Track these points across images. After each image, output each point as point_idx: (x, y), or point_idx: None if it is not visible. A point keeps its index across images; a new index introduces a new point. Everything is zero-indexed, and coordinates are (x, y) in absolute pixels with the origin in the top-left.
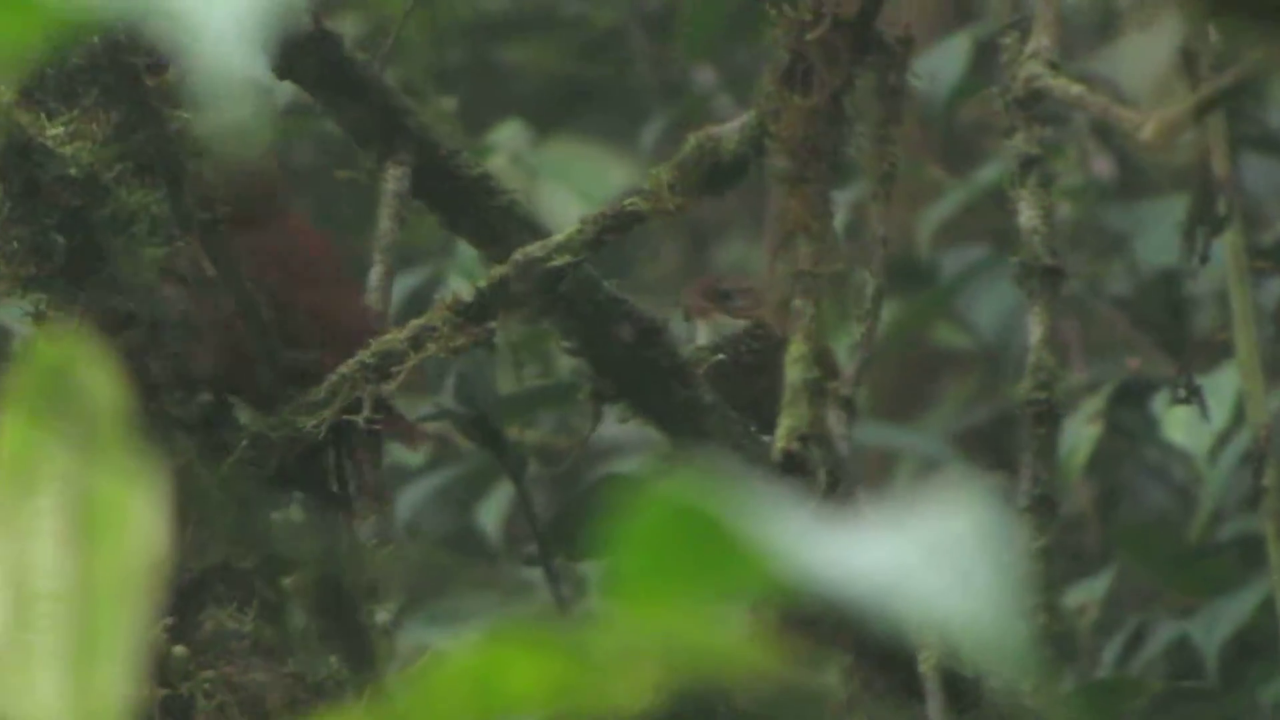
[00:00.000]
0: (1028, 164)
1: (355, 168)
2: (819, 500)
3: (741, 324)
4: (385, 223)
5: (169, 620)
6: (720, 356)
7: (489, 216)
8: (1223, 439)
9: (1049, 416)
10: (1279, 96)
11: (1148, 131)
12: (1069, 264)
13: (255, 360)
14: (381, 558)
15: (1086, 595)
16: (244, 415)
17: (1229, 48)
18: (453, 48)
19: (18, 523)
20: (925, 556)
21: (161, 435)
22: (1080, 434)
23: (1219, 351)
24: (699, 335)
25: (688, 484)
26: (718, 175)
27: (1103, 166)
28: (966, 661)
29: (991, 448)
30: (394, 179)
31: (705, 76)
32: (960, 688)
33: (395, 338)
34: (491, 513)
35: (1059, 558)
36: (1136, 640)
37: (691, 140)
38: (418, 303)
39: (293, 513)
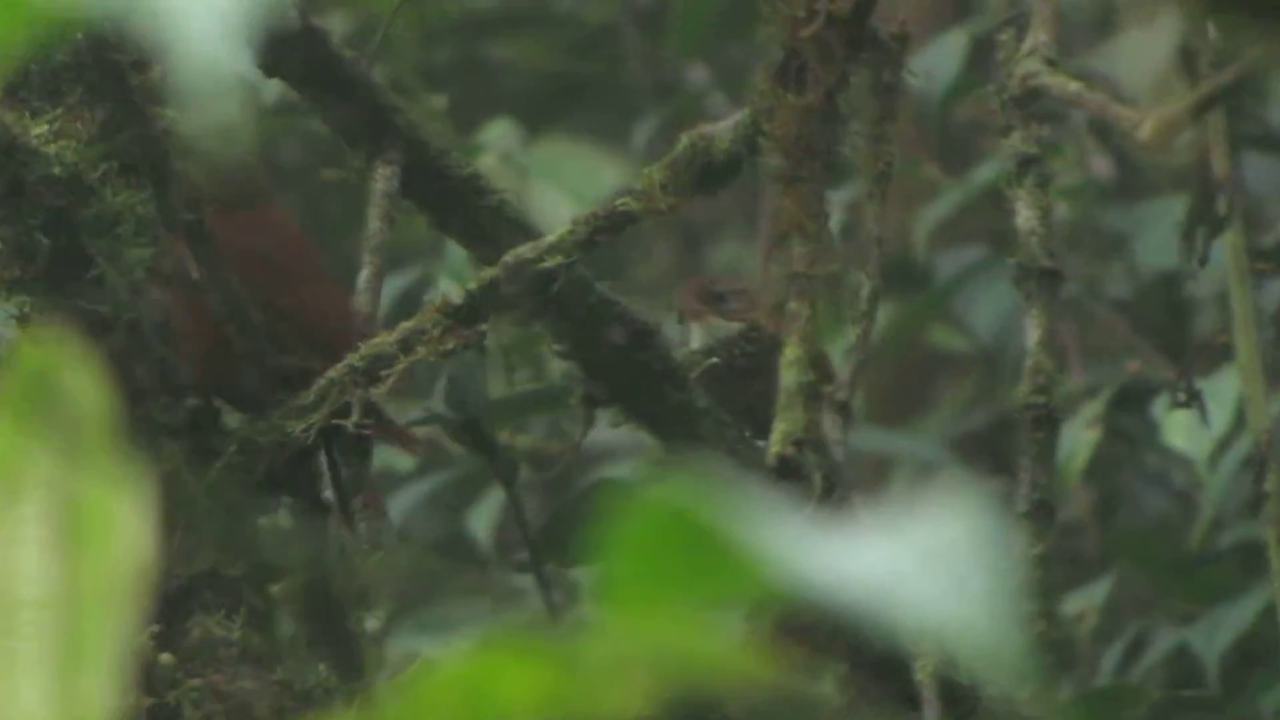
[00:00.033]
0: (1025, 163)
1: (343, 167)
2: (814, 506)
3: (735, 326)
4: (374, 223)
5: (155, 628)
6: (714, 360)
7: (479, 217)
8: (1223, 444)
9: (1047, 421)
10: (1279, 94)
11: (1147, 130)
12: (1067, 265)
13: (243, 363)
14: (371, 564)
15: (1085, 602)
16: (231, 420)
17: (1229, 45)
18: (442, 45)
19: (2, 529)
20: (921, 562)
21: (148, 440)
22: (1079, 438)
23: (1219, 355)
24: (692, 338)
25: (680, 489)
26: (711, 175)
27: (1101, 166)
28: (963, 669)
29: (989, 452)
30: (382, 179)
31: (698, 74)
32: (957, 696)
33: (384, 341)
34: (482, 518)
35: (1057, 564)
36: (1136, 648)
37: (684, 139)
38: (407, 305)
39: (281, 518)
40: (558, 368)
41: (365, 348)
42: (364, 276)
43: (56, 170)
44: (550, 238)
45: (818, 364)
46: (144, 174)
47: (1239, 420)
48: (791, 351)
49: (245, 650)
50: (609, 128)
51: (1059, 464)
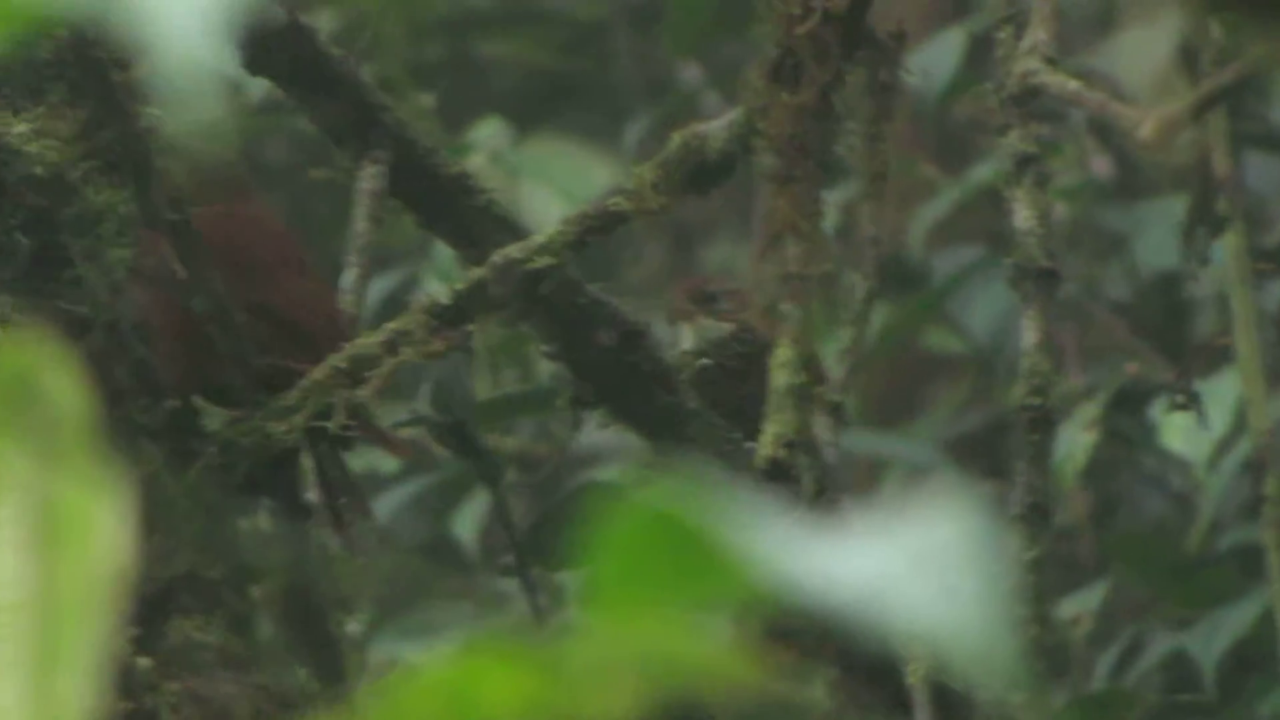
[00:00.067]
0: (1023, 163)
1: (330, 166)
2: (805, 509)
3: (727, 328)
4: (360, 223)
5: (133, 631)
6: (705, 361)
7: (467, 217)
8: (1222, 446)
9: (1043, 423)
10: None
11: (1147, 129)
12: (1065, 266)
13: (224, 363)
14: (353, 568)
15: (1081, 606)
16: (212, 421)
17: (1230, 43)
18: (431, 42)
19: None
20: (913, 566)
21: (126, 442)
22: (1076, 441)
23: (1219, 356)
24: (683, 339)
25: (668, 492)
26: (703, 174)
27: (1101, 165)
28: (956, 674)
29: (984, 455)
30: (369, 178)
31: (691, 72)
32: (949, 701)
33: (369, 341)
34: (467, 522)
35: (1052, 568)
36: (1132, 653)
37: (676, 138)
38: (393, 306)
39: (261, 521)
40: (545, 369)
41: (350, 348)
42: (350, 277)
43: (38, 169)
44: (539, 238)
45: (810, 365)
46: (126, 173)
47: (1239, 423)
48: (783, 353)
49: (224, 654)
50: (600, 126)
51: (1055, 466)
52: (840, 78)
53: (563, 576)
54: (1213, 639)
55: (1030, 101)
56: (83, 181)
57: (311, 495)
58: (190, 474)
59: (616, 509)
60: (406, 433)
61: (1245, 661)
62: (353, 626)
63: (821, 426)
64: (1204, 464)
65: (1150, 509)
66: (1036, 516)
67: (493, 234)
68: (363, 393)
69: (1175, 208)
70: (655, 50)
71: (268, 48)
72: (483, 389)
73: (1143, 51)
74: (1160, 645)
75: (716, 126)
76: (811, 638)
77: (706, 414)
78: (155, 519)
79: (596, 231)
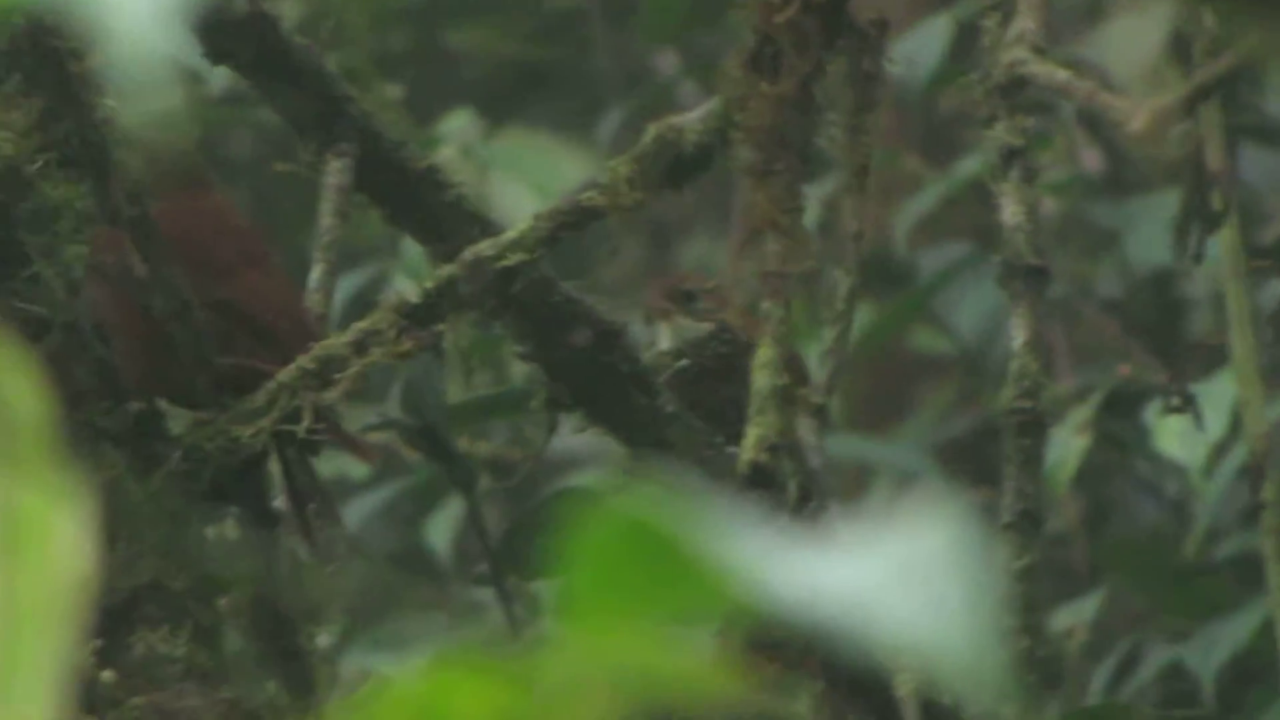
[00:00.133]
0: (1011, 156)
1: (294, 160)
2: (788, 516)
3: (706, 327)
4: (326, 219)
5: (96, 643)
6: (683, 362)
7: (437, 212)
8: (1219, 450)
9: (1034, 427)
10: (1277, 83)
11: (1138, 121)
12: (1055, 263)
13: (187, 364)
14: (322, 577)
15: (1074, 617)
16: (176, 425)
17: (1224, 32)
18: (398, 31)
19: None
20: (898, 576)
21: (87, 446)
22: (1067, 445)
23: (1215, 357)
24: (661, 339)
25: (645, 498)
26: (680, 168)
27: (1091, 159)
28: (944, 688)
29: (973, 460)
30: (335, 172)
31: (667, 62)
32: (938, 716)
33: (337, 342)
34: (440, 529)
35: (1044, 577)
36: (1128, 665)
37: (652, 130)
38: (361, 304)
39: (227, 529)
40: (519, 370)
41: (317, 349)
42: (316, 274)
43: None
44: (512, 234)
45: (792, 366)
46: (83, 166)
47: (1235, 426)
48: (765, 353)
49: (190, 667)
50: (573, 119)
51: (1046, 472)
52: (821, 67)
53: (538, 586)
54: (1211, 650)
55: (1018, 92)
56: (39, 175)
57: (279, 502)
58: (154, 480)
59: (592, 516)
60: (376, 437)
61: (1245, 674)
62: (323, 638)
63: (805, 430)
64: (1200, 469)
65: (1145, 516)
66: (1027, 524)
67: (463, 230)
68: (331, 395)
69: (1168, 203)
70: (630, 39)
71: (229, 37)
72: (454, 391)
73: (1134, 41)
74: (1157, 657)
75: (693, 118)
76: (795, 650)
77: (686, 417)
78: (118, 527)
79: (570, 227)
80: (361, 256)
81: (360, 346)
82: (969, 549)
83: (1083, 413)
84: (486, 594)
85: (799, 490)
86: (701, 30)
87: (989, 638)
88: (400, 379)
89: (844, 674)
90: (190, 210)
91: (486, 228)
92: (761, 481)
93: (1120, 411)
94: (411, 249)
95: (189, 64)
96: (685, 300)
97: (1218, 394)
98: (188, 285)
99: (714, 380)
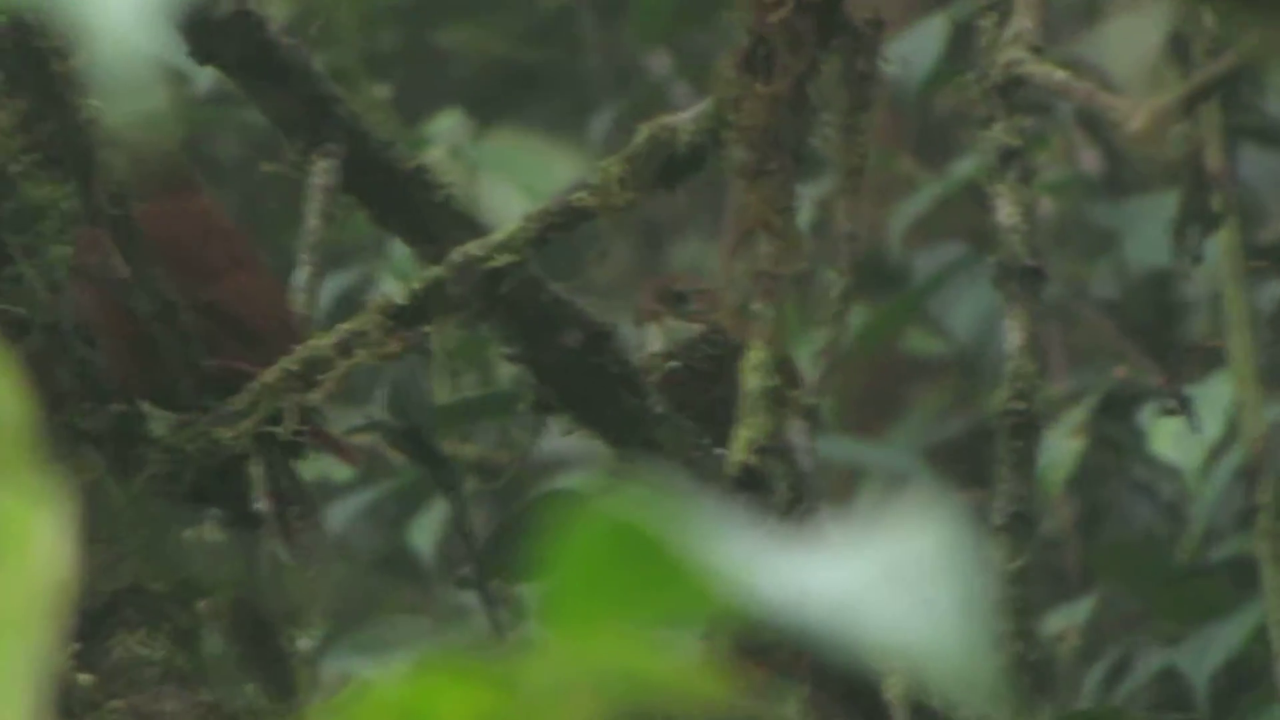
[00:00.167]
0: (1007, 156)
1: (281, 160)
2: (778, 518)
3: (697, 329)
4: (312, 219)
5: (75, 647)
6: (674, 363)
7: (424, 212)
8: (1215, 453)
9: (1028, 428)
10: (1278, 83)
11: (1137, 122)
12: (1051, 264)
13: (170, 365)
14: (304, 580)
15: (1067, 621)
16: (157, 427)
17: (1223, 31)
18: (387, 30)
19: None
20: (889, 579)
21: (68, 448)
22: (1061, 447)
23: (1212, 359)
24: (651, 341)
25: (633, 501)
26: (672, 168)
27: (1088, 159)
28: (935, 692)
29: (966, 462)
30: (322, 172)
31: (659, 62)
32: None
33: (322, 343)
34: (425, 532)
35: (1037, 580)
36: (1121, 669)
37: (644, 130)
38: (347, 305)
39: (208, 531)
40: (506, 372)
41: (302, 350)
42: (302, 275)
43: None
44: (500, 235)
45: (783, 368)
46: (67, 167)
47: (1231, 428)
48: (756, 355)
49: (169, 670)
50: (564, 119)
51: (1040, 474)
52: (815, 67)
53: (524, 589)
54: (1205, 655)
55: (1015, 92)
56: (22, 176)
57: (261, 504)
58: (135, 482)
59: (578, 519)
60: (361, 439)
61: (1239, 678)
62: (304, 641)
63: (796, 432)
64: (1195, 471)
65: (1139, 518)
66: (1020, 527)
67: (451, 231)
68: (315, 396)
69: (1166, 203)
70: (621, 39)
71: (215, 36)
72: (441, 393)
73: (1132, 40)
74: (1150, 661)
75: (685, 118)
76: (784, 653)
77: (675, 419)
78: (98, 529)
79: (560, 228)
80: (348, 257)
81: (345, 348)
82: (961, 551)
83: (1078, 415)
84: (471, 597)
85: (789, 492)
86: (693, 30)
87: (980, 641)
88: (386, 381)
89: (833, 678)
90: (176, 212)
91: (475, 228)
92: (751, 484)
93: (1116, 413)
94: (399, 250)
95: (174, 64)
96: (676, 301)
97: (1214, 396)
98: (172, 286)
99: (704, 382)
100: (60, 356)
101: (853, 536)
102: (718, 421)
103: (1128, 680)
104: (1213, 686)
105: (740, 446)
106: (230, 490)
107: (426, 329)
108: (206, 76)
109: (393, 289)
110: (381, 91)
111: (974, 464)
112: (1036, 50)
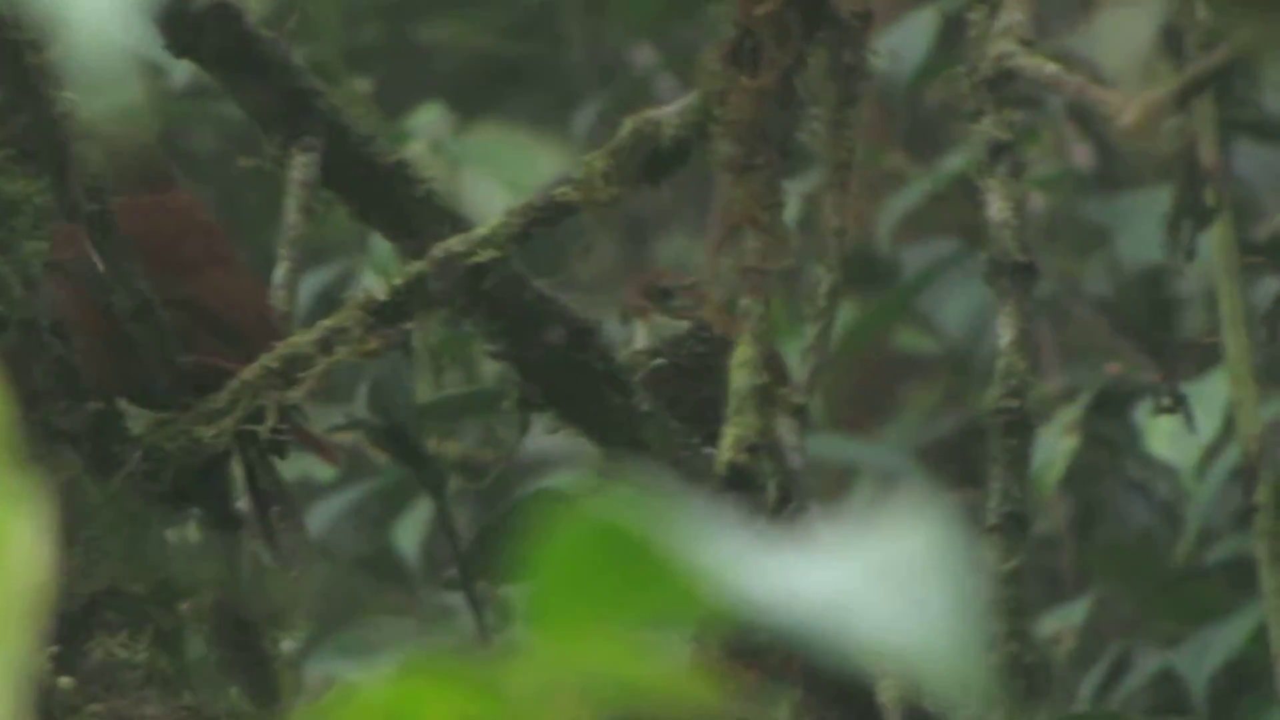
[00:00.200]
0: (998, 151)
1: (260, 155)
2: (767, 518)
3: (683, 325)
4: (292, 215)
5: (54, 649)
6: (660, 360)
7: (406, 208)
8: (1211, 452)
9: (1021, 427)
10: (1273, 77)
11: (1129, 116)
12: (1043, 260)
13: (148, 363)
14: (286, 581)
15: (1062, 622)
16: (136, 425)
17: (1217, 24)
18: (368, 23)
19: None
20: (881, 579)
21: (45, 447)
22: (1055, 446)
23: (1207, 356)
24: (637, 337)
25: (618, 501)
26: (657, 163)
27: (1080, 154)
28: (929, 695)
29: (958, 461)
30: (301, 167)
31: (644, 55)
32: None
33: (302, 340)
34: (408, 532)
35: (1032, 581)
36: (1117, 671)
37: (628, 124)
38: (328, 302)
39: (189, 532)
40: (490, 369)
41: (282, 347)
42: (281, 271)
43: None
44: (483, 230)
45: (771, 365)
46: (42, 161)
47: (1227, 427)
48: (743, 352)
49: (150, 673)
50: (547, 113)
51: (1033, 473)
52: (802, 60)
53: (509, 590)
54: (1203, 657)
55: (1005, 86)
56: None
57: (242, 504)
58: (113, 481)
59: (564, 519)
60: (343, 437)
61: (1237, 680)
62: (286, 643)
63: (785, 430)
64: (1191, 470)
65: (1135, 518)
66: (1014, 527)
67: (433, 226)
68: (296, 394)
69: (1159, 199)
70: (605, 32)
71: (192, 29)
72: (424, 391)
73: (1125, 33)
74: (1147, 663)
75: (671, 112)
76: (774, 656)
77: (662, 416)
78: (76, 530)
79: (543, 223)
80: (328, 253)
81: (326, 345)
82: (953, 551)
83: (1071, 413)
84: (456, 599)
85: (778, 491)
86: (678, 23)
87: (974, 642)
88: (368, 378)
89: (825, 680)
90: (154, 207)
91: (457, 224)
92: (740, 483)
93: (1110, 412)
94: (380, 245)
95: (150, 57)
96: (662, 297)
97: (1210, 394)
98: (149, 282)
99: (691, 379)
100: (36, 354)
101: (843, 536)
102: (705, 419)
103: (1124, 682)
104: (1212, 689)
105: (728, 445)
106: (211, 490)
107: (408, 326)
108: (184, 70)
109: (374, 285)
110: (362, 85)
111: (966, 463)
112: (1027, 43)
